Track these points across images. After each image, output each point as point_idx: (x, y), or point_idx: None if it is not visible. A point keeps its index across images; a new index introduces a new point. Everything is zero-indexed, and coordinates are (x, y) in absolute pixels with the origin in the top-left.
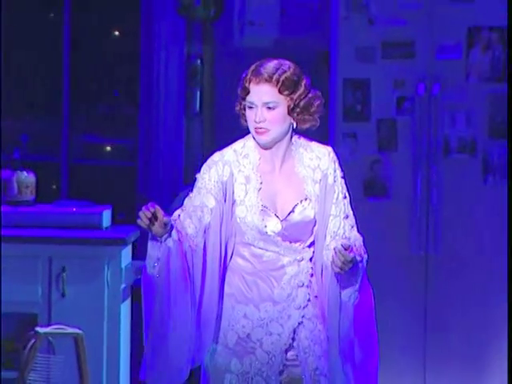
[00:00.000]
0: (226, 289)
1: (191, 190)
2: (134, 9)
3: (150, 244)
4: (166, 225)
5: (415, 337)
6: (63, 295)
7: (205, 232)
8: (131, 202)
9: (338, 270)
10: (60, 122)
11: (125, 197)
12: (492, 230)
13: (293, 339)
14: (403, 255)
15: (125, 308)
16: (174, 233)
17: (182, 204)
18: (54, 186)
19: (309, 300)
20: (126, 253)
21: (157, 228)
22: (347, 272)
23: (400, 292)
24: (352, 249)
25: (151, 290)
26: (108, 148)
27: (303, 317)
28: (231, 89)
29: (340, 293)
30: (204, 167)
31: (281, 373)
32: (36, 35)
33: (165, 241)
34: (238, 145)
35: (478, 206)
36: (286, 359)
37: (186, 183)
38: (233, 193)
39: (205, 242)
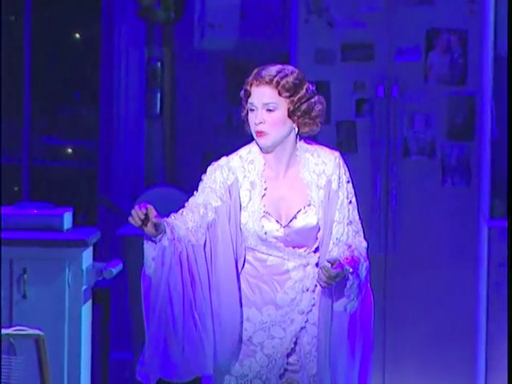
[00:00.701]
0: None
1: (152, 192)
2: (95, 11)
3: (145, 244)
4: (157, 226)
5: (374, 337)
6: (24, 297)
7: (208, 229)
8: (92, 203)
9: (324, 284)
10: (21, 123)
11: (86, 198)
12: (450, 231)
13: (295, 344)
14: None
15: (86, 310)
16: (168, 231)
17: None
18: (16, 188)
19: (313, 305)
20: (87, 254)
21: (149, 228)
22: (338, 285)
23: None
24: (340, 263)
25: (150, 290)
26: (69, 150)
27: (306, 322)
28: (191, 91)
29: (332, 304)
30: (210, 168)
31: (281, 376)
32: None
33: (160, 240)
34: (243, 151)
35: (437, 207)
36: (288, 363)
37: (146, 185)
38: (239, 198)
39: (206, 240)
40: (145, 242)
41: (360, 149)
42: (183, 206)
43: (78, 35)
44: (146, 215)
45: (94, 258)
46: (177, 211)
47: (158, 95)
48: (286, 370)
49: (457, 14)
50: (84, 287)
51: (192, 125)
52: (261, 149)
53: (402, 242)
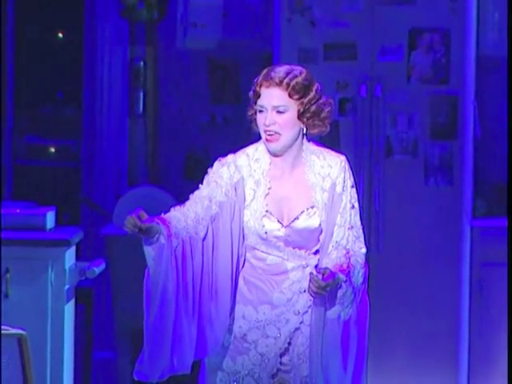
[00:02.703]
0: None
1: (135, 192)
2: (78, 11)
3: (144, 247)
4: (148, 230)
5: None
6: (7, 296)
7: (211, 223)
8: (75, 203)
9: (314, 295)
10: (3, 122)
11: (69, 198)
12: (433, 230)
13: (289, 344)
14: None
15: (69, 309)
16: (164, 229)
17: (126, 206)
18: None
19: (309, 306)
20: (70, 254)
21: (143, 232)
22: (332, 292)
23: None
24: (330, 273)
25: (151, 291)
26: (52, 149)
27: (301, 323)
28: (174, 90)
29: (325, 310)
30: (217, 164)
31: (273, 376)
32: None
33: (157, 240)
34: (250, 149)
35: (420, 206)
36: (281, 363)
37: (129, 184)
38: (244, 196)
39: (207, 234)
40: (144, 246)
41: (343, 148)
42: (166, 205)
43: (60, 34)
44: (139, 219)
45: (77, 258)
46: (160, 210)
47: (141, 94)
48: (278, 369)
49: (439, 13)
50: (67, 287)
51: (175, 124)
52: (269, 151)
53: (384, 241)
